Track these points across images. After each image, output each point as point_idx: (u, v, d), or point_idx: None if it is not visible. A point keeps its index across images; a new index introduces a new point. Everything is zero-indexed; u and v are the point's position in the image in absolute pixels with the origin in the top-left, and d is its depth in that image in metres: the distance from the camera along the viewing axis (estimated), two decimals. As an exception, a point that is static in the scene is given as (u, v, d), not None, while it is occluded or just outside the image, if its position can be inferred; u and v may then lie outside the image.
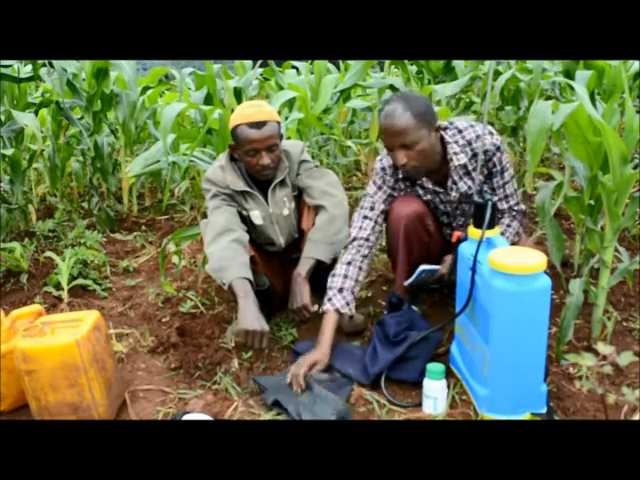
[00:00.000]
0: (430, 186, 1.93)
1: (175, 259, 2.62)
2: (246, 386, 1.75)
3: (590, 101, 1.66)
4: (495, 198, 1.91)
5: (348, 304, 1.83)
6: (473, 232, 1.59)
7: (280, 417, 1.60)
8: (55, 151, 3.41)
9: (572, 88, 1.93)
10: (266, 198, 1.95)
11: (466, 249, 1.63)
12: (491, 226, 1.56)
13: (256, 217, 1.96)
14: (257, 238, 2.01)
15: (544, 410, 1.50)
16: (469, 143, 1.86)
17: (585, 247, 2.10)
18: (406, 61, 3.67)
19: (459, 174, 1.89)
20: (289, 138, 2.95)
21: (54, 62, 2.99)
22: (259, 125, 1.79)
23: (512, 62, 3.78)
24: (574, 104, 1.56)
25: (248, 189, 1.93)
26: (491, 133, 1.85)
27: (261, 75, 4.34)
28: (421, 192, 1.96)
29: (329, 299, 1.83)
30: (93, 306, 2.36)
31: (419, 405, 1.61)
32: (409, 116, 1.71)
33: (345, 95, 3.78)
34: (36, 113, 3.22)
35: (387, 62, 4.21)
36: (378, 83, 3.71)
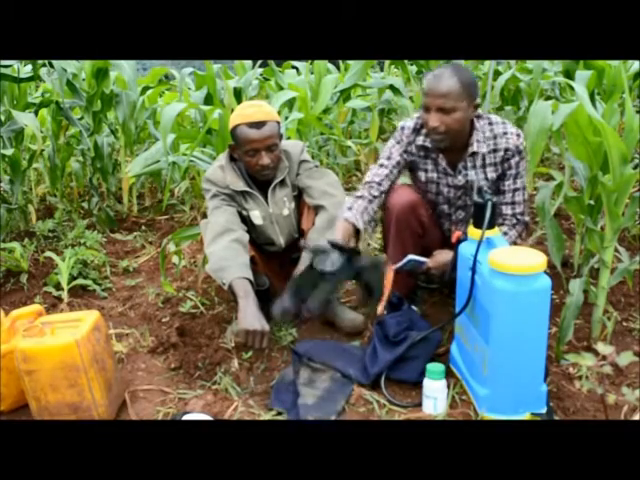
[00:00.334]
0: (443, 164, 1.93)
1: (175, 259, 2.62)
2: (246, 386, 1.76)
3: (590, 101, 1.66)
4: (501, 200, 1.91)
5: (357, 219, 1.82)
6: (473, 232, 1.59)
7: (280, 417, 1.60)
8: (55, 151, 3.41)
9: (572, 88, 1.93)
10: (266, 198, 1.95)
11: (466, 249, 1.63)
12: (491, 226, 1.56)
13: (256, 217, 1.96)
14: (257, 238, 2.01)
15: (544, 410, 1.50)
16: (494, 137, 1.86)
17: (585, 247, 2.10)
18: (406, 61, 3.67)
19: (473, 162, 1.89)
20: (289, 138, 2.95)
21: (54, 62, 2.99)
22: (259, 125, 1.79)
23: (512, 62, 3.78)
24: (574, 104, 1.56)
25: (248, 189, 1.93)
26: (518, 135, 1.85)
27: (261, 75, 4.34)
28: (430, 167, 1.96)
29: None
30: (93, 306, 2.36)
31: (419, 405, 1.61)
32: (456, 82, 1.72)
33: (345, 95, 3.78)
34: (36, 113, 3.22)
35: (387, 62, 4.22)
36: (378, 83, 3.71)
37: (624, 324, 2.02)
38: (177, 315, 2.24)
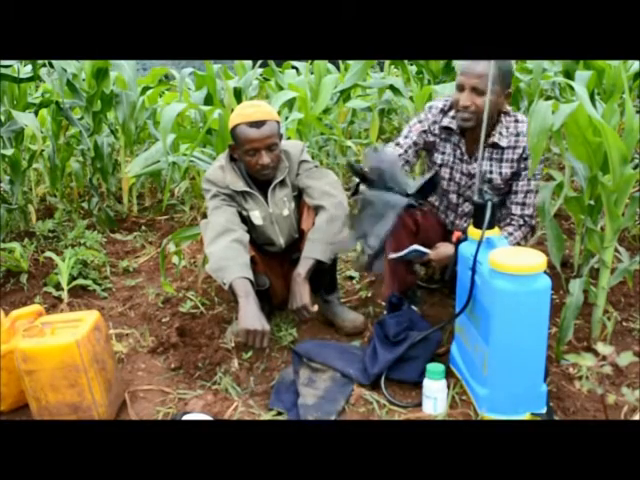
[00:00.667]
0: (462, 149, 1.93)
1: (175, 259, 2.62)
2: (246, 386, 1.76)
3: (590, 101, 1.66)
4: (512, 199, 1.91)
5: None
6: (473, 232, 1.59)
7: (280, 417, 1.60)
8: (55, 151, 3.41)
9: (572, 88, 1.93)
10: (266, 198, 1.95)
11: (466, 249, 1.63)
12: (491, 226, 1.56)
13: (256, 217, 1.96)
14: (257, 238, 2.01)
15: (544, 410, 1.50)
16: (517, 134, 1.87)
17: (585, 247, 2.10)
18: (406, 61, 3.67)
19: (490, 153, 1.90)
20: (289, 138, 2.95)
21: (54, 62, 2.99)
22: (258, 124, 1.79)
23: (512, 62, 3.77)
24: (574, 104, 1.56)
25: (248, 189, 1.93)
26: None
27: (261, 75, 4.34)
28: (448, 150, 1.96)
29: None
30: (93, 306, 2.36)
31: (419, 405, 1.61)
32: (493, 65, 1.73)
33: (345, 95, 3.78)
34: (36, 113, 3.21)
35: (387, 62, 4.21)
36: (378, 83, 3.71)
37: (624, 324, 2.03)
38: (177, 315, 2.24)
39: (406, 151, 1.96)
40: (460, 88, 1.81)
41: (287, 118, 2.96)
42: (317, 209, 1.93)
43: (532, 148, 1.59)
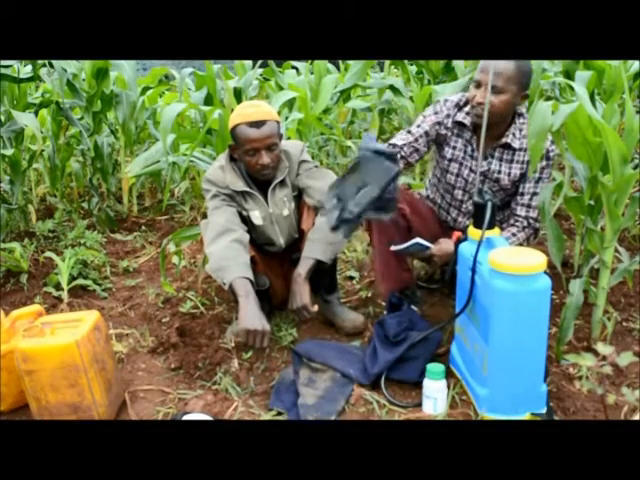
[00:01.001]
0: (473, 145, 1.93)
1: (175, 259, 2.62)
2: (246, 386, 1.76)
3: (590, 101, 1.66)
4: (517, 201, 1.91)
5: None
6: (473, 232, 1.59)
7: (280, 417, 1.60)
8: (55, 151, 3.41)
9: (572, 88, 1.93)
10: (266, 198, 1.95)
11: (466, 249, 1.63)
12: (491, 226, 1.56)
13: (256, 217, 1.96)
14: (257, 238, 2.01)
15: (544, 410, 1.50)
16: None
17: (585, 247, 2.10)
18: (406, 61, 3.67)
19: (501, 153, 1.90)
20: (289, 138, 2.95)
21: (54, 62, 2.99)
22: (258, 124, 1.79)
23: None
24: (574, 104, 1.56)
25: (248, 189, 1.93)
26: (552, 142, 1.86)
27: (261, 75, 4.34)
28: (459, 146, 1.96)
29: None
30: (93, 306, 2.36)
31: (419, 405, 1.61)
32: (513, 66, 1.73)
33: (345, 95, 3.78)
34: (36, 113, 3.21)
35: (387, 62, 4.21)
36: (378, 83, 3.71)
37: (624, 324, 2.02)
38: (177, 315, 2.24)
39: (417, 139, 1.95)
40: (477, 85, 1.81)
41: (287, 118, 2.97)
42: (317, 209, 1.93)
43: (532, 148, 1.59)
